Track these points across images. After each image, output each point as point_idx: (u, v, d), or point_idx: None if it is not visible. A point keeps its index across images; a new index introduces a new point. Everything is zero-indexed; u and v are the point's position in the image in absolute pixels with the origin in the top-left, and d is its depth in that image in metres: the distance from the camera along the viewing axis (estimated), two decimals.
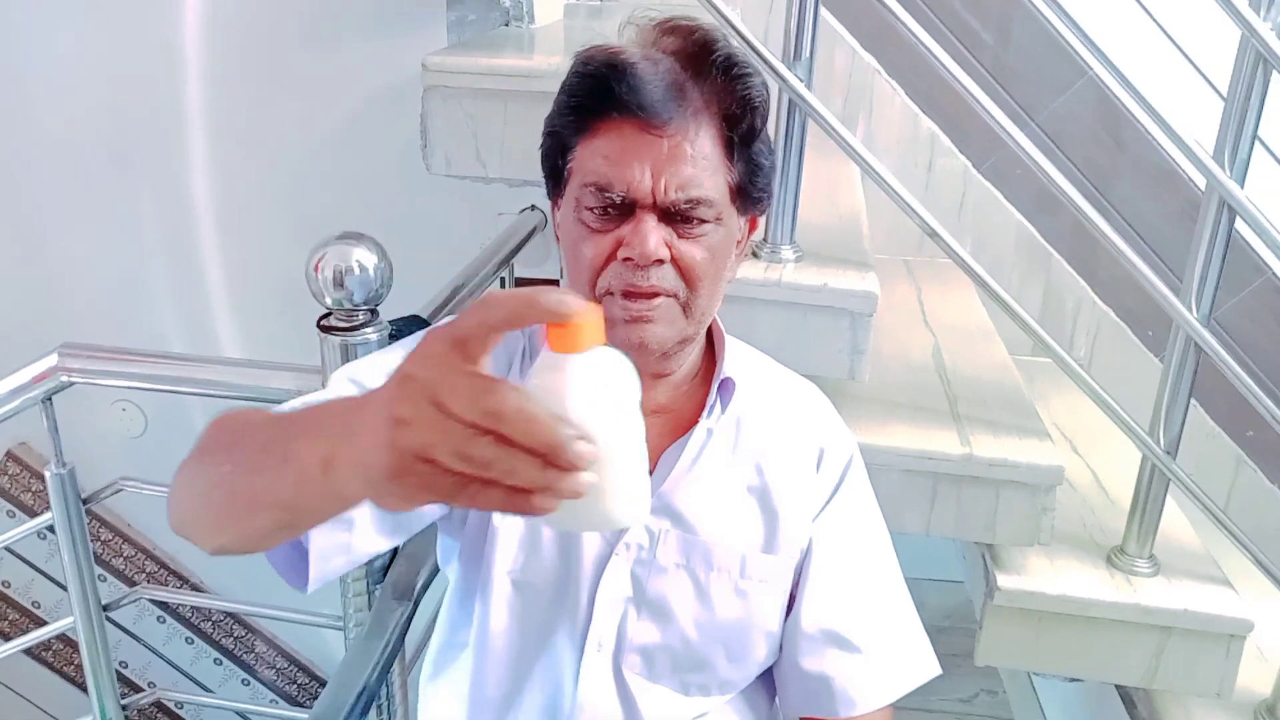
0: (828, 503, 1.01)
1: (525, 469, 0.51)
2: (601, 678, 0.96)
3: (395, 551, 1.45)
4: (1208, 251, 1.35)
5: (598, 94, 0.85)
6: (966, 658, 1.52)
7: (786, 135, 1.38)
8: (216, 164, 2.29)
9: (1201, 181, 1.33)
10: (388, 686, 1.46)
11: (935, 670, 1.05)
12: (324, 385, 1.36)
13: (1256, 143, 1.31)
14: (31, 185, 2.40)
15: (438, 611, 1.16)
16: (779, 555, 0.98)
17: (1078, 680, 1.66)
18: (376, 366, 0.94)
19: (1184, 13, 2.07)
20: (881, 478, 1.44)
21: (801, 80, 1.32)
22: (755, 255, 1.44)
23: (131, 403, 2.56)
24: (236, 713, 2.88)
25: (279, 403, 1.38)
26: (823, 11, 1.35)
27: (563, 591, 0.96)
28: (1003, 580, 1.45)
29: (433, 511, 0.95)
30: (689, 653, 0.97)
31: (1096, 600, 1.43)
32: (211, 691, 2.85)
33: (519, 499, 0.51)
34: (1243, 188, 1.30)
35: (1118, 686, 1.65)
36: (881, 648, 1.01)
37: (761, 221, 1.43)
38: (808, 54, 1.34)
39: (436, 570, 1.43)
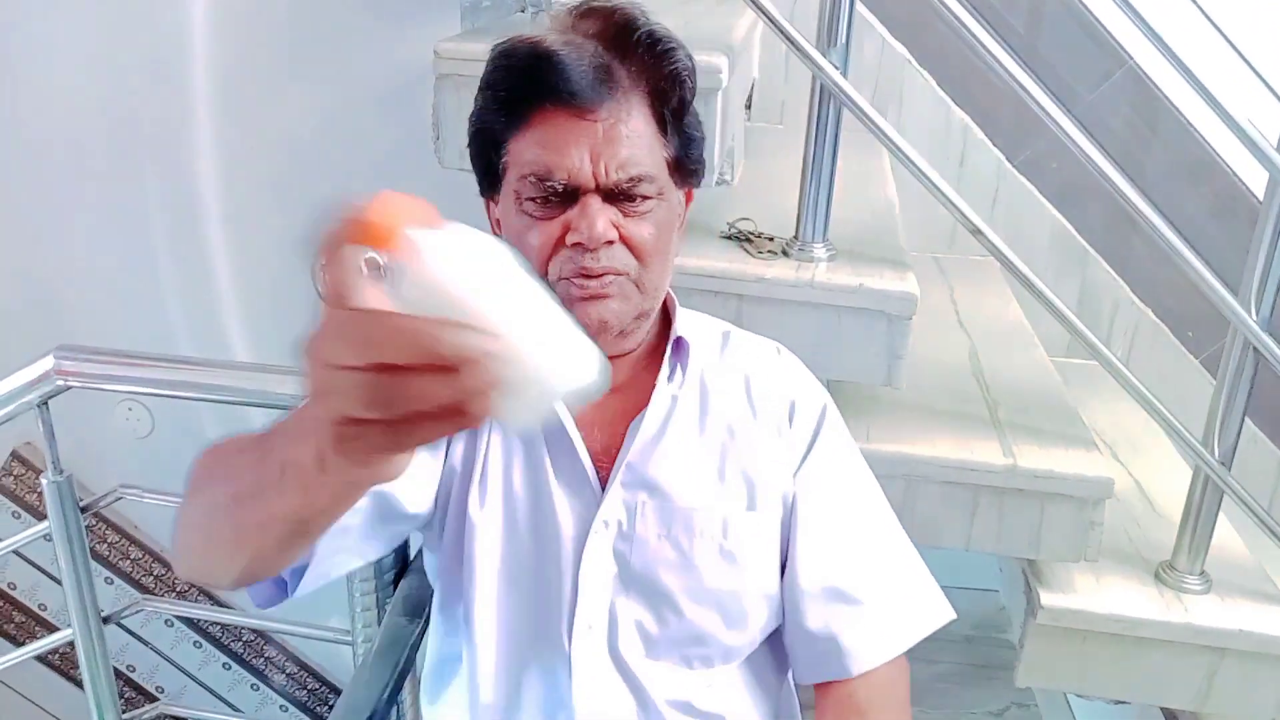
0: (806, 455, 0.99)
1: (433, 386, 0.45)
2: (598, 662, 0.93)
3: (405, 566, 1.39)
4: (1269, 251, 1.27)
5: (526, 85, 0.85)
6: (997, 668, 1.45)
7: (819, 126, 1.31)
8: (222, 158, 2.25)
9: (1246, 175, 1.25)
10: (398, 707, 1.40)
11: (948, 615, 1.00)
12: None
13: None
14: (34, 181, 2.36)
15: None
16: (762, 513, 0.96)
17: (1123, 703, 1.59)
18: None
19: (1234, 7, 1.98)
20: (919, 490, 1.37)
21: (838, 68, 1.25)
22: (785, 254, 1.36)
23: (139, 402, 2.52)
24: None
25: (283, 409, 1.33)
26: None
27: (545, 578, 0.94)
28: (1046, 598, 1.37)
29: (415, 515, 0.94)
30: (684, 624, 0.94)
31: (1145, 620, 1.36)
32: (220, 697, 2.80)
33: (454, 418, 0.46)
34: None
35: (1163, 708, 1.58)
36: (884, 597, 0.97)
37: (793, 219, 1.38)
38: (843, 41, 1.27)
39: None
